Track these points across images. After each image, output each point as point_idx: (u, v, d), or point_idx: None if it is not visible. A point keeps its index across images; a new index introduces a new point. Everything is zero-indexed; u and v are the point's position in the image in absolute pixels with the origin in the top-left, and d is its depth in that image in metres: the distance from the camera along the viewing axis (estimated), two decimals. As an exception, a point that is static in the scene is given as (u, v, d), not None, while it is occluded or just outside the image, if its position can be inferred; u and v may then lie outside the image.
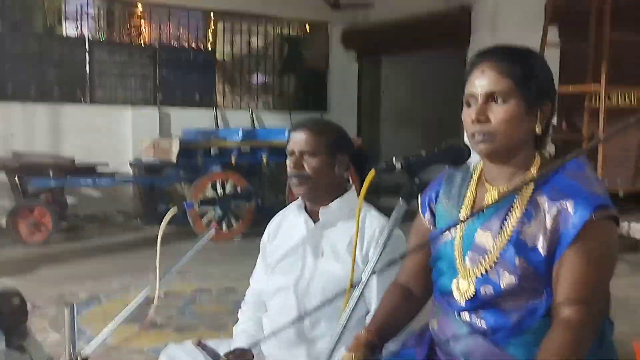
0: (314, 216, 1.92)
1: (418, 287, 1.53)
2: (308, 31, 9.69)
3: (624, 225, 5.94)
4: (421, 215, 1.54)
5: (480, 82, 1.34)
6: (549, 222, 1.26)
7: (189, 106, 8.43)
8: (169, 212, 1.79)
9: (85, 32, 7.89)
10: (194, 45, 8.79)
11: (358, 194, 1.87)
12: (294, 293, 1.88)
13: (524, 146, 1.35)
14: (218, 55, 8.87)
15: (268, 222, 1.90)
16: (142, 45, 8.35)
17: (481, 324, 1.33)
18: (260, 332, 1.96)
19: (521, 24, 7.16)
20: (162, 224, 1.75)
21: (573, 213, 1.23)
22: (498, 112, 1.31)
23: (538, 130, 1.34)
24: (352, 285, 1.17)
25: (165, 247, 6.46)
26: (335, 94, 9.73)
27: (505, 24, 7.68)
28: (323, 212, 1.88)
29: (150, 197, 7.32)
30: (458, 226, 1.39)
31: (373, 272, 1.28)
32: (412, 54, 9.55)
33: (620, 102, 5.55)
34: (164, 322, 3.82)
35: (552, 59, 6.16)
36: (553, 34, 6.51)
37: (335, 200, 1.89)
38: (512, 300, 1.30)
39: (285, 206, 2.03)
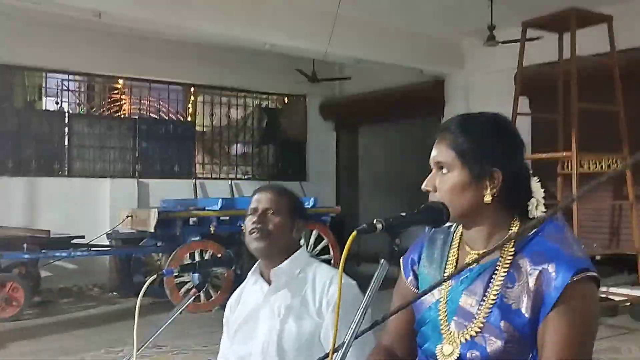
0: (268, 280, 1.95)
1: (402, 349, 1.52)
2: (286, 103, 9.92)
3: (603, 288, 5.99)
4: (404, 277, 1.53)
5: (433, 152, 1.40)
6: (531, 285, 1.27)
7: (167, 177, 8.46)
8: (148, 279, 1.77)
9: (65, 106, 7.98)
10: (173, 117, 8.92)
11: (337, 260, 1.91)
12: (259, 358, 1.87)
13: (484, 212, 1.36)
14: (198, 127, 9.00)
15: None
16: (122, 117, 8.45)
17: None
18: None
19: (492, 95, 7.43)
20: (141, 290, 1.72)
21: (555, 276, 1.25)
22: (442, 182, 1.37)
23: (487, 199, 1.35)
24: (335, 350, 1.14)
25: (142, 319, 6.31)
26: (314, 163, 9.86)
27: (477, 95, 7.97)
28: (274, 273, 1.92)
29: (127, 269, 7.19)
30: (442, 291, 1.39)
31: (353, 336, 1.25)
32: (388, 123, 9.79)
33: (591, 168, 5.70)
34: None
35: (524, 128, 6.37)
36: (524, 105, 6.75)
37: (285, 261, 1.93)
38: None
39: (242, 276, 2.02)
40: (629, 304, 5.72)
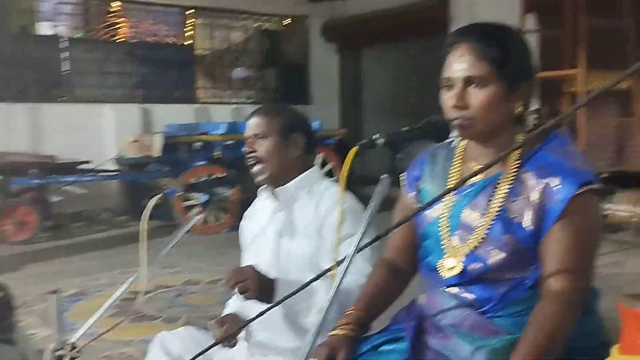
0: (277, 198, 1.96)
1: (405, 262, 1.53)
2: (288, 24, 9.70)
3: (609, 205, 6.07)
4: (406, 192, 1.53)
5: (458, 67, 1.31)
6: (535, 199, 1.28)
7: (169, 102, 8.39)
8: (152, 200, 1.78)
9: (61, 31, 7.82)
10: (172, 41, 8.76)
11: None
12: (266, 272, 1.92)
13: (505, 127, 1.34)
14: (197, 51, 8.84)
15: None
16: (121, 42, 8.29)
17: (469, 297, 1.34)
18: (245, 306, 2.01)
19: (499, 12, 7.23)
20: (144, 212, 1.75)
21: (559, 189, 1.26)
22: (476, 98, 1.30)
23: (518, 111, 1.33)
24: (338, 263, 1.17)
25: (150, 243, 6.46)
26: (317, 86, 9.75)
27: (483, 12, 7.75)
28: (279, 193, 1.92)
29: (135, 193, 7.29)
30: (444, 205, 1.40)
31: (358, 250, 1.26)
32: (392, 45, 9.61)
33: (598, 86, 5.65)
34: (154, 314, 3.83)
35: (532, 45, 6.25)
36: (531, 22, 6.60)
37: (292, 181, 1.92)
38: (499, 274, 1.31)
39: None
40: (634, 219, 5.81)
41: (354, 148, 1.23)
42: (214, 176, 6.42)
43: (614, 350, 0.99)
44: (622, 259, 4.94)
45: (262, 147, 1.89)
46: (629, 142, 6.53)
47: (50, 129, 7.33)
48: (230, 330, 1.77)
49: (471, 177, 1.29)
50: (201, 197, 7.36)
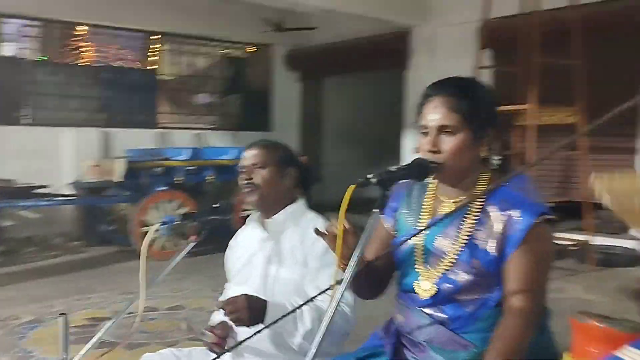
0: (266, 227, 2.09)
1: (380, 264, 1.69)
2: (252, 52, 9.83)
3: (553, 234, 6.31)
4: (383, 222, 1.72)
5: (433, 117, 1.51)
6: (498, 228, 1.47)
7: (131, 127, 8.35)
8: (152, 227, 1.85)
9: (24, 53, 7.74)
10: (136, 65, 8.76)
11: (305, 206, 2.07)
12: None
13: (472, 167, 1.54)
14: (161, 76, 8.86)
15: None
16: (84, 65, 8.25)
17: (441, 315, 1.51)
18: None
19: (456, 48, 7.55)
20: (145, 239, 1.82)
21: (519, 220, 1.45)
22: (448, 144, 1.49)
23: (484, 154, 1.54)
24: (337, 282, 1.29)
25: (108, 268, 6.43)
26: (279, 113, 9.88)
27: (442, 48, 8.06)
28: (269, 223, 2.06)
29: (92, 218, 7.19)
30: (419, 236, 1.57)
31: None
32: (353, 75, 9.83)
33: (547, 120, 5.93)
34: (115, 341, 3.78)
35: (485, 80, 6.52)
36: (486, 58, 6.89)
37: (281, 212, 2.05)
38: (468, 295, 1.49)
39: (231, 224, 2.13)
40: (575, 247, 6.07)
41: (352, 186, 1.36)
42: (178, 205, 6.43)
43: (566, 356, 1.09)
44: (564, 285, 5.16)
45: (260, 176, 2.03)
46: (573, 174, 6.85)
47: (8, 152, 7.20)
48: (222, 334, 1.90)
49: (445, 217, 1.51)
50: (164, 228, 7.32)
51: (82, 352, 1.82)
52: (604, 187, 1.23)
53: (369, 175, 1.41)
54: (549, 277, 1.51)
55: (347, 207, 1.37)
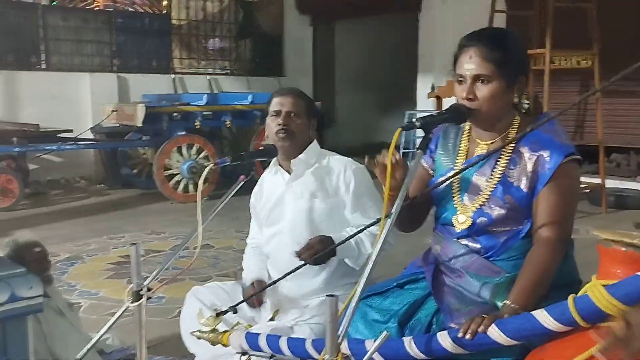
0: (287, 170, 2.30)
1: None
2: (262, -4, 9.77)
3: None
4: (422, 160, 1.85)
5: (468, 66, 1.64)
6: (529, 167, 1.63)
7: (146, 72, 8.43)
8: (206, 169, 1.99)
9: (37, -3, 7.77)
10: (148, 10, 8.75)
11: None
12: (289, 233, 2.24)
13: (505, 113, 1.69)
14: (174, 21, 8.85)
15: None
16: (97, 10, 8.26)
17: (476, 245, 1.69)
18: (263, 269, 2.33)
19: (471, -9, 7.50)
20: (200, 179, 1.98)
21: (549, 159, 1.61)
22: (483, 92, 1.64)
23: (515, 100, 1.69)
24: (386, 216, 1.44)
25: (134, 209, 6.69)
26: (291, 58, 9.89)
27: (456, -9, 8.01)
28: (294, 163, 2.26)
29: (114, 162, 7.39)
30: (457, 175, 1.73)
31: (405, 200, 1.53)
32: (365, 19, 9.78)
33: (562, 64, 5.99)
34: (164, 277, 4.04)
35: (500, 24, 6.54)
36: (500, 2, 6.87)
37: (302, 153, 2.26)
38: (500, 227, 1.66)
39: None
40: (588, 190, 6.25)
41: (398, 130, 1.52)
42: (196, 148, 6.60)
43: (593, 277, 1.28)
44: (578, 226, 5.34)
45: (296, 124, 2.22)
46: (588, 118, 6.96)
47: (28, 97, 7.32)
48: (258, 291, 2.12)
49: (482, 159, 1.67)
50: (182, 167, 7.53)
51: (150, 278, 2.01)
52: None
53: (413, 120, 1.57)
54: (575, 210, 1.69)
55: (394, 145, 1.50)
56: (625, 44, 6.29)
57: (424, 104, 8.09)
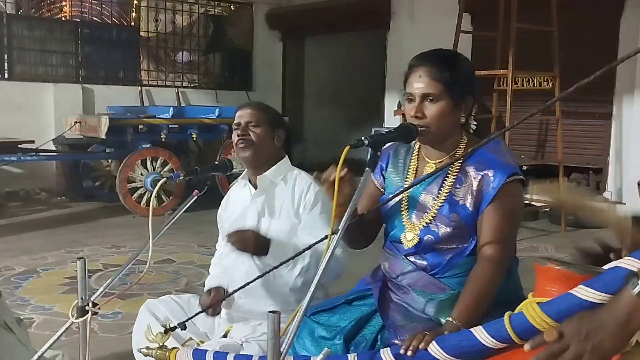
0: (254, 184, 2.27)
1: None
2: (233, 10, 9.79)
3: (527, 195, 6.59)
4: (373, 178, 1.90)
5: (417, 85, 1.69)
6: (475, 186, 1.67)
7: (112, 83, 8.35)
8: (160, 182, 1.98)
9: (2, 7, 7.63)
10: (116, 21, 8.68)
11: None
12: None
13: (452, 132, 1.73)
14: (142, 33, 8.80)
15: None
16: (63, 20, 8.17)
17: (423, 263, 1.72)
18: (225, 277, 2.30)
19: (437, 12, 7.64)
20: (153, 192, 1.96)
21: (493, 179, 1.65)
22: (431, 110, 1.68)
23: (462, 120, 1.73)
24: (333, 232, 1.45)
25: (95, 223, 6.58)
26: (260, 73, 9.91)
27: (422, 10, 8.15)
28: (259, 179, 2.24)
29: (76, 174, 7.27)
30: (405, 192, 1.75)
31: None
32: (334, 36, 9.87)
33: (524, 85, 6.13)
34: (108, 292, 3.95)
35: (465, 45, 6.67)
36: (466, 22, 7.01)
37: (270, 169, 2.24)
38: (446, 244, 1.70)
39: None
40: (548, 209, 6.37)
41: (347, 147, 1.52)
42: (160, 162, 6.53)
43: (530, 295, 1.31)
44: (537, 244, 5.45)
45: (255, 134, 2.20)
46: (549, 138, 7.11)
47: (-12, 107, 7.18)
48: (215, 300, 2.08)
49: (428, 177, 1.70)
50: (146, 180, 7.44)
51: (97, 293, 1.98)
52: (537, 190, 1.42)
53: (362, 137, 1.57)
54: (518, 229, 1.74)
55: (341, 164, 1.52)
56: (586, 66, 6.47)
57: (392, 121, 8.17)
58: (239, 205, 2.33)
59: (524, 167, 6.64)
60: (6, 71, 7.63)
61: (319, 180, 1.60)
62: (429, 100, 1.67)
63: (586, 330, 1.04)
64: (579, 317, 1.07)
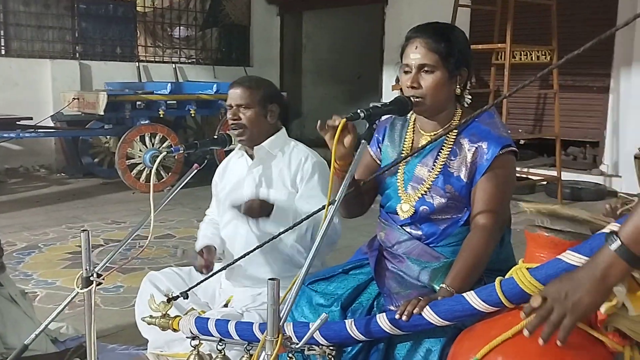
0: (251, 155, 2.32)
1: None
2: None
3: (524, 169, 6.65)
4: (369, 149, 1.93)
5: (414, 56, 1.71)
6: (469, 158, 1.70)
7: (109, 59, 8.32)
8: (160, 156, 2.00)
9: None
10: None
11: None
12: (245, 219, 2.25)
13: (447, 103, 1.76)
14: (139, 8, 8.73)
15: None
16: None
17: (418, 232, 1.76)
18: (216, 236, 2.38)
19: (436, -16, 7.59)
20: (154, 166, 1.98)
21: (486, 150, 1.69)
22: (427, 81, 1.71)
23: (457, 91, 1.75)
24: (330, 203, 1.48)
25: (94, 199, 6.62)
26: (258, 48, 9.86)
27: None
28: (256, 150, 2.28)
29: (75, 150, 7.29)
30: (401, 164, 1.80)
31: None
32: (333, 9, 9.81)
33: (522, 59, 6.12)
34: (109, 266, 4.01)
35: (464, 19, 6.65)
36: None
37: (266, 140, 2.27)
38: (441, 215, 1.74)
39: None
40: (545, 182, 6.42)
41: (343, 120, 1.54)
42: (159, 138, 6.55)
43: (520, 261, 1.35)
44: (533, 217, 5.49)
45: (245, 117, 2.22)
46: (547, 112, 7.13)
47: (-15, 83, 7.16)
48: (209, 258, 2.18)
49: (424, 147, 1.73)
50: (145, 156, 7.46)
51: (101, 264, 2.02)
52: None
53: (358, 110, 1.60)
54: (510, 199, 1.76)
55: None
56: (584, 39, 6.43)
57: (390, 96, 8.16)
58: (235, 176, 2.36)
59: (522, 142, 6.67)
60: (3, 47, 7.60)
61: (322, 128, 1.61)
62: (425, 70, 1.70)
63: (566, 290, 1.09)
64: (559, 278, 1.12)
